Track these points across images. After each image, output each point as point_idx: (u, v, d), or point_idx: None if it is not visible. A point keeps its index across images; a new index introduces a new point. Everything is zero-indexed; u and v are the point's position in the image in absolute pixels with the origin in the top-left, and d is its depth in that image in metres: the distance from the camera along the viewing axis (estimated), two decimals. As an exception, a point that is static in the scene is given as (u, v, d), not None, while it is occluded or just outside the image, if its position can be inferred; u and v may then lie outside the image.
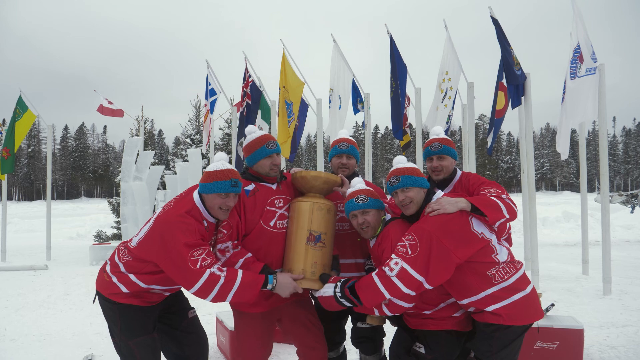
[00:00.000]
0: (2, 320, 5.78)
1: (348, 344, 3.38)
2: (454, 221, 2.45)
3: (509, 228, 2.86)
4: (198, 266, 2.50)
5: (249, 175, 2.92)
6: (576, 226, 15.50)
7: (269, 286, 2.62)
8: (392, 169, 2.74)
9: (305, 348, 2.94)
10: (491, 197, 2.57)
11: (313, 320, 2.97)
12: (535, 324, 2.59)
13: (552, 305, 4.21)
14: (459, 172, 3.07)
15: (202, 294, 2.54)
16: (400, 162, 2.74)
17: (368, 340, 3.14)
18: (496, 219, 2.50)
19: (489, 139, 7.48)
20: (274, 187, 2.92)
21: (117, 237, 13.34)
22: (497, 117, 6.93)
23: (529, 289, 2.54)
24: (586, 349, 4.14)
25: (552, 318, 4.14)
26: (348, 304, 2.59)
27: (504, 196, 2.61)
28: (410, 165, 2.71)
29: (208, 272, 2.51)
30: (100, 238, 13.31)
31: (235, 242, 2.76)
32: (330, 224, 2.84)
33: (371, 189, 2.85)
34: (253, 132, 2.97)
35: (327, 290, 2.65)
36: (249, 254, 2.75)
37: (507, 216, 2.54)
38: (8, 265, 9.85)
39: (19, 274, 8.97)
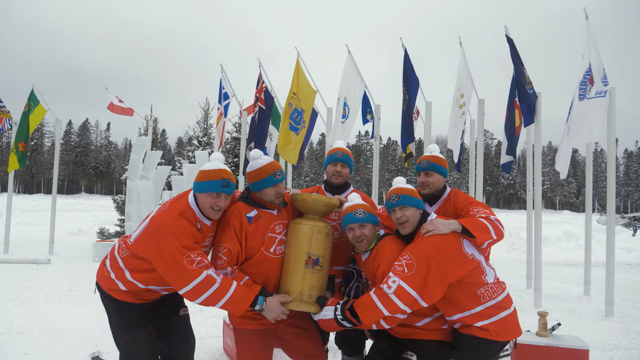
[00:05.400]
0: (7, 313, 5.80)
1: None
2: (448, 242, 2.62)
3: (489, 252, 3.02)
4: (194, 266, 2.53)
5: (252, 200, 2.90)
6: (577, 246, 15.52)
7: (257, 307, 2.66)
8: (392, 187, 2.92)
9: (306, 357, 3.01)
10: (480, 219, 2.72)
11: (312, 330, 3.05)
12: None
13: (559, 324, 4.23)
14: (448, 189, 3.23)
15: (193, 295, 2.55)
16: (400, 182, 2.93)
17: (351, 341, 3.26)
18: (484, 240, 2.66)
19: (504, 155, 7.62)
20: (274, 212, 2.94)
21: (120, 234, 13.35)
22: (516, 133, 7.13)
23: (512, 308, 2.74)
24: (590, 370, 4.16)
25: (558, 337, 4.16)
26: (349, 325, 2.70)
27: (492, 217, 2.77)
28: (410, 186, 2.90)
29: (205, 273, 2.54)
30: (103, 235, 13.32)
31: (234, 267, 2.79)
32: (328, 247, 2.91)
33: (367, 204, 2.97)
34: (258, 157, 2.91)
35: (327, 313, 2.75)
36: (247, 277, 2.78)
37: (495, 238, 2.70)
38: (11, 258, 9.88)
39: (22, 267, 9.00)
